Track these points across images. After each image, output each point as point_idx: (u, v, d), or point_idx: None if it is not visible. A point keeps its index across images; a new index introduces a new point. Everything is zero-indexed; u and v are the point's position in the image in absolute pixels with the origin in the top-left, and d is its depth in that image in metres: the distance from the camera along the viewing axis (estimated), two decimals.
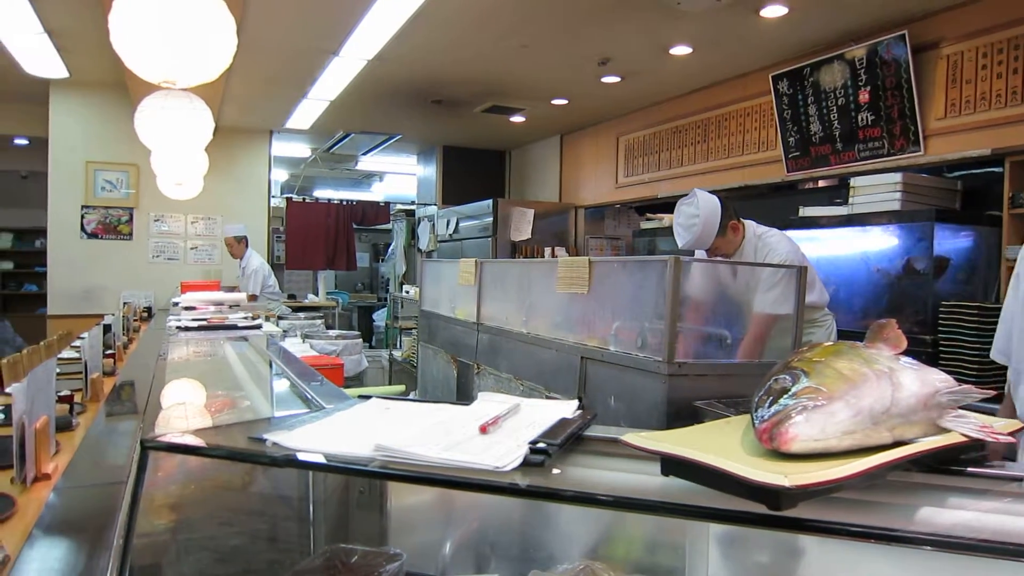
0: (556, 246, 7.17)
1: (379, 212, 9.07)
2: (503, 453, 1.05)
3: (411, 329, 7.25)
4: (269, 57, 5.68)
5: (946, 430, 1.10)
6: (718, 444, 1.06)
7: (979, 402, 1.16)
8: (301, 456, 1.08)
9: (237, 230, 7.39)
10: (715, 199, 3.36)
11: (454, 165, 9.02)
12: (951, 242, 4.12)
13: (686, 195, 3.41)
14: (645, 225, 6.79)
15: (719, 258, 3.47)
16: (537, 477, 1.03)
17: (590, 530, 1.50)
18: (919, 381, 1.08)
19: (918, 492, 1.08)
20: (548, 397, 3.25)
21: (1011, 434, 1.11)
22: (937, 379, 1.11)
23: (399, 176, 11.33)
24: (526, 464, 1.04)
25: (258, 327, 3.21)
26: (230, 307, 4.11)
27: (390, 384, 7.05)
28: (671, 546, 1.41)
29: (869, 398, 1.02)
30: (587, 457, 1.19)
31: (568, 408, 1.31)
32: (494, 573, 1.32)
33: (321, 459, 1.09)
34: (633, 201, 7.16)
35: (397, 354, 7.41)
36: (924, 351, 3.78)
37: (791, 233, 4.09)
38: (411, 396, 5.03)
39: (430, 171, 9.32)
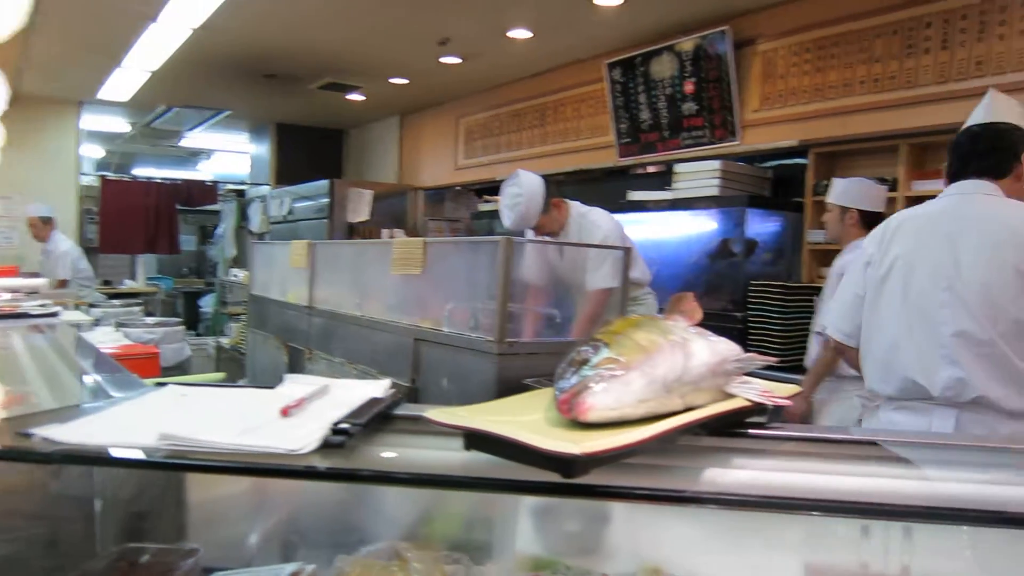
0: (395, 228, 7.08)
1: (206, 192, 8.59)
2: (302, 436, 1.02)
3: (240, 315, 6.94)
4: (75, 18, 5.20)
5: (733, 395, 1.17)
6: (521, 417, 1.08)
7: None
8: (73, 450, 0.99)
9: (42, 210, 6.73)
10: (537, 178, 3.46)
11: (289, 144, 8.68)
12: (761, 226, 4.45)
13: (510, 176, 3.50)
14: (483, 207, 6.86)
15: (547, 237, 3.57)
16: (338, 459, 1.00)
17: (407, 511, 1.49)
18: (709, 350, 1.15)
19: (706, 455, 1.15)
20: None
21: (789, 398, 1.21)
22: (725, 348, 1.19)
23: (229, 155, 10.75)
24: (327, 446, 1.01)
25: (54, 315, 2.94)
26: (27, 294, 3.74)
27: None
28: (485, 521, 1.42)
29: (663, 367, 1.07)
30: (396, 436, 1.17)
31: (379, 388, 1.28)
32: (298, 561, 1.28)
33: (96, 452, 1.01)
34: (473, 183, 7.21)
35: (225, 341, 7.08)
36: (735, 327, 4.07)
37: (621, 216, 4.27)
38: (240, 384, 4.81)
39: (263, 150, 8.92)
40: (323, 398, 1.24)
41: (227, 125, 8.82)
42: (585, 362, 1.07)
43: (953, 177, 2.21)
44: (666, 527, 1.41)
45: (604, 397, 1.01)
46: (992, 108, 2.23)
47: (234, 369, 6.50)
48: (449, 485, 1.03)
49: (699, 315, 1.24)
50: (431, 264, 3.01)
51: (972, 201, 2.13)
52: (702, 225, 4.76)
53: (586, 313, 3.34)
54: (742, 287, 4.24)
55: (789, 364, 3.88)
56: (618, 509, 1.43)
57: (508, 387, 2.55)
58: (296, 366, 4.02)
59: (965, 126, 2.26)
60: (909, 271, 2.08)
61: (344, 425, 1.05)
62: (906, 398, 2.06)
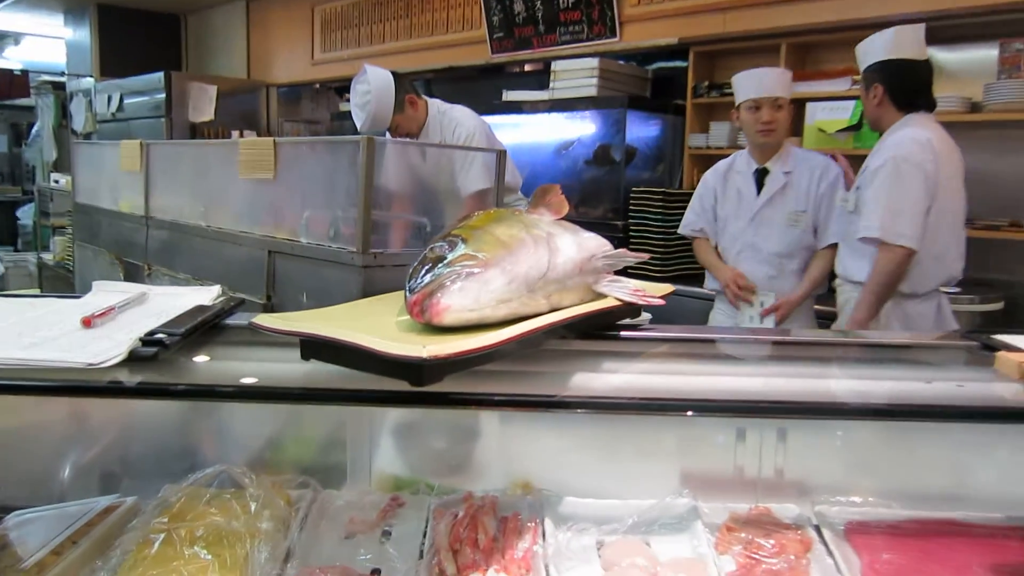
0: (245, 129, 6.68)
1: (14, 83, 7.79)
2: (106, 348, 0.91)
3: (65, 227, 6.45)
4: None
5: (603, 295, 1.15)
6: (369, 322, 1.02)
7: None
8: None
9: None
10: (387, 73, 3.33)
11: (115, 29, 7.92)
12: (641, 129, 4.48)
13: (358, 73, 3.34)
14: (345, 107, 6.56)
15: (406, 139, 3.45)
16: (149, 373, 0.91)
17: (252, 433, 1.41)
18: (576, 245, 1.11)
19: (574, 359, 1.13)
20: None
21: (662, 297, 1.20)
22: (593, 244, 1.15)
23: (42, 40, 9.72)
24: (136, 359, 0.91)
25: None
26: None
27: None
28: (339, 442, 1.37)
29: (525, 264, 1.03)
30: (226, 348, 1.09)
31: (207, 295, 1.18)
32: (118, 494, 1.19)
33: None
34: (332, 80, 6.84)
35: (48, 257, 6.59)
36: (616, 236, 4.11)
37: (495, 118, 4.16)
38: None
39: (82, 35, 8.10)
40: (139, 307, 1.13)
41: (35, 3, 7.94)
42: (440, 259, 1.00)
43: (908, 105, 2.62)
44: (535, 439, 1.40)
45: (460, 297, 0.95)
46: (922, 42, 2.61)
47: (61, 288, 6.06)
48: (280, 398, 0.96)
49: (565, 208, 1.20)
50: (284, 168, 2.83)
51: (943, 131, 2.63)
52: (581, 129, 4.73)
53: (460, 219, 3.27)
54: (622, 194, 4.27)
55: (671, 273, 3.98)
56: (484, 422, 1.41)
57: None
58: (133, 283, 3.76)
59: (894, 56, 2.59)
60: (955, 189, 2.59)
61: (159, 335, 0.96)
62: (930, 291, 2.62)
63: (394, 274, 2.54)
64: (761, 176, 3.00)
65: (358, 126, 3.38)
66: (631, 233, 4.19)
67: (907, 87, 2.61)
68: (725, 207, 3.08)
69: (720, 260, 3.09)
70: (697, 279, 3.38)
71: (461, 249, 1.01)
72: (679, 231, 3.27)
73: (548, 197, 1.20)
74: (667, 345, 1.22)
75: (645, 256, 1.21)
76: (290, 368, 1.00)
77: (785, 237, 2.95)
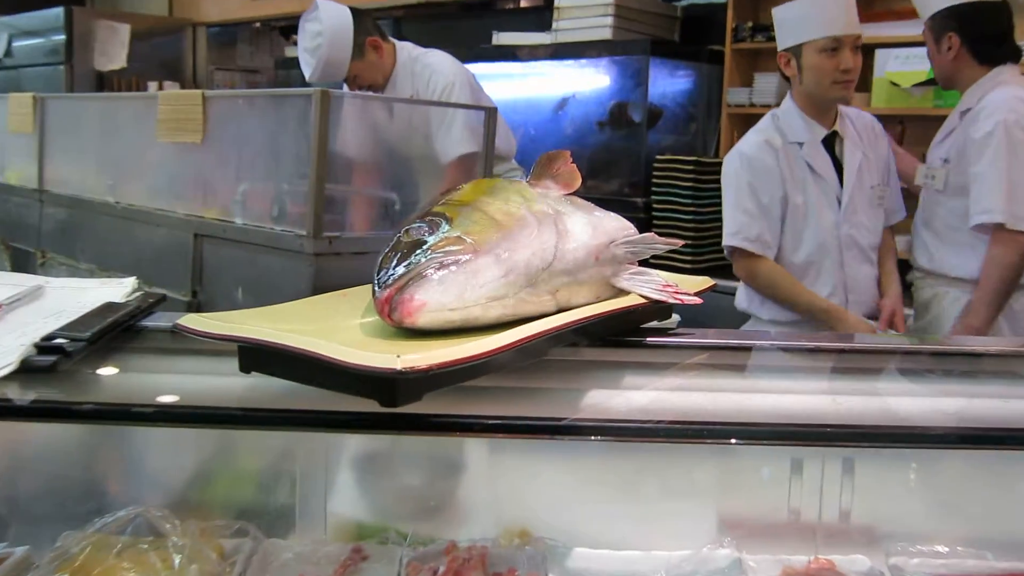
0: (166, 80, 6.72)
1: None
2: None
3: None
4: None
5: (624, 291, 1.15)
6: (327, 324, 1.01)
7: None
8: None
9: None
10: (344, 9, 3.37)
11: None
12: (668, 82, 4.49)
13: (308, 9, 3.36)
14: (292, 52, 6.58)
15: (369, 92, 3.47)
16: (47, 388, 0.92)
17: (179, 466, 1.42)
18: (590, 228, 1.11)
19: (588, 371, 1.13)
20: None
21: (698, 294, 1.20)
22: (612, 226, 1.15)
23: None
24: (29, 370, 0.92)
25: None
26: None
27: None
28: (286, 478, 1.37)
29: (526, 250, 1.02)
30: (143, 357, 1.10)
31: (119, 290, 1.18)
32: (4, 543, 1.19)
33: None
34: (275, 18, 6.89)
35: None
36: (636, 216, 4.13)
37: (482, 66, 4.17)
38: None
39: None
40: (33, 304, 1.14)
41: None
42: (418, 244, 1.00)
43: (991, 57, 2.71)
44: (536, 474, 1.40)
45: (440, 292, 0.94)
46: None
47: None
48: (212, 421, 0.97)
49: (577, 182, 1.20)
50: (215, 129, 2.86)
51: None
52: (591, 81, 4.75)
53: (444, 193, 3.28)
54: (644, 164, 4.29)
55: (703, 264, 3.99)
56: (472, 452, 1.41)
57: None
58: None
59: None
60: None
61: (59, 341, 0.97)
62: None
63: (353, 264, 2.56)
64: (830, 145, 2.81)
65: (307, 76, 3.40)
66: (655, 213, 4.21)
67: (988, 34, 2.70)
68: (799, 195, 2.78)
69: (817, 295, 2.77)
70: None
71: (444, 231, 1.01)
72: (725, 243, 2.89)
73: (555, 166, 1.20)
74: (705, 354, 1.22)
75: (678, 243, 1.20)
76: (225, 383, 1.01)
77: (876, 222, 2.84)
